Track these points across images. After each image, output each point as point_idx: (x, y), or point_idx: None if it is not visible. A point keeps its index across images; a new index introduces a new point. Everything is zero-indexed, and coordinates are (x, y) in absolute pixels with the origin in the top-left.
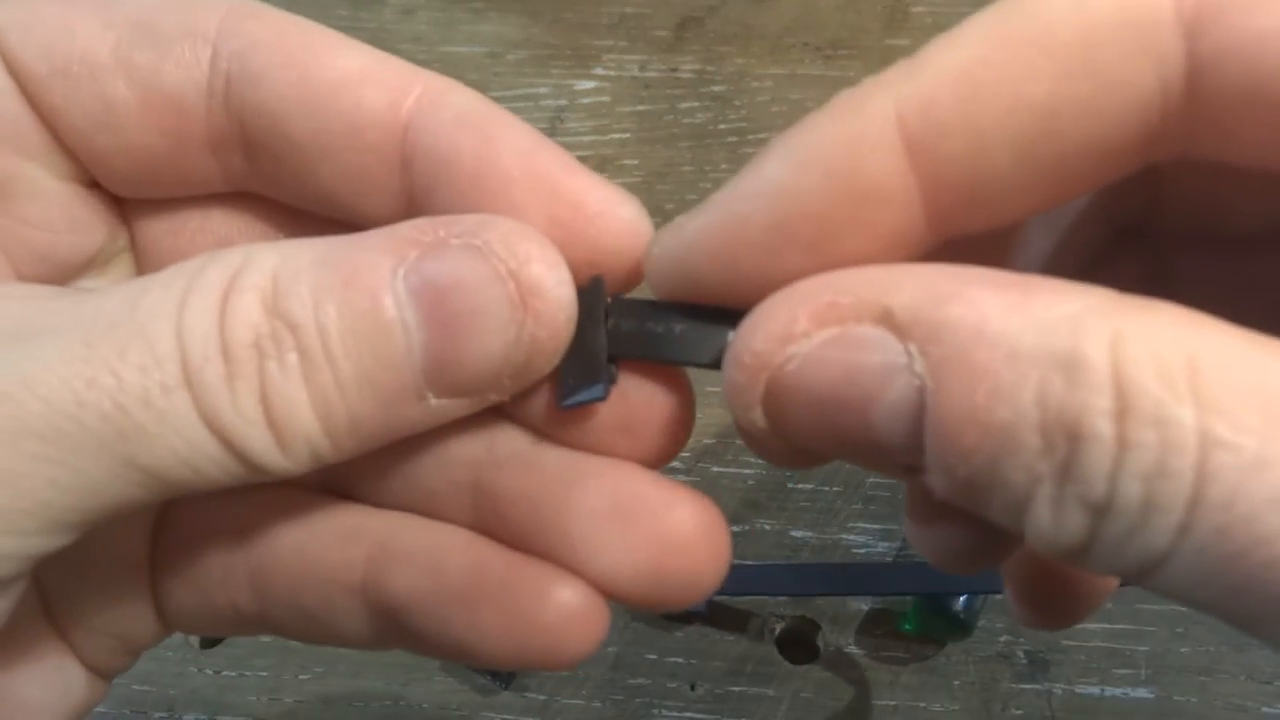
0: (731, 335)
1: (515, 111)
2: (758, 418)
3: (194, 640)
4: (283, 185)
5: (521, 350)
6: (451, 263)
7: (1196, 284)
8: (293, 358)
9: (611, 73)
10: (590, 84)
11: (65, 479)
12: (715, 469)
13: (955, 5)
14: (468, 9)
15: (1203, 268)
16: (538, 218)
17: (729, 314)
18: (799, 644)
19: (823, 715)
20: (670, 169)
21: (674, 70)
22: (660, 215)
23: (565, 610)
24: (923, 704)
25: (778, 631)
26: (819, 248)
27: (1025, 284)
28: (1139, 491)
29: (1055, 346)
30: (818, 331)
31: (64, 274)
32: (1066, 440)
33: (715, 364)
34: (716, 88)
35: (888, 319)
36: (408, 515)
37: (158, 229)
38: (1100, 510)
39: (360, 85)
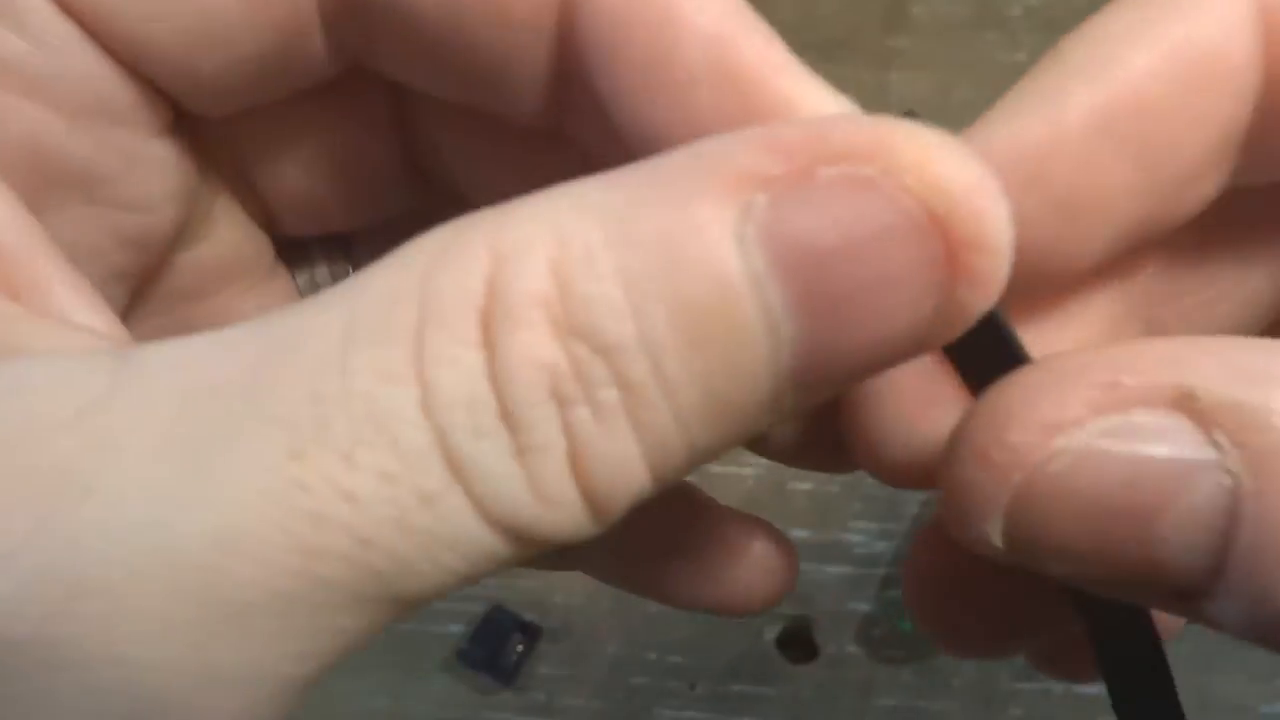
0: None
1: None
2: (993, 532)
3: None
4: (405, 67)
5: (935, 326)
6: (832, 210)
7: None
8: (611, 395)
9: None
10: None
11: (304, 646)
12: (715, 469)
13: (955, 5)
14: None
15: None
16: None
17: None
18: (799, 644)
19: (823, 715)
20: None
21: None
22: None
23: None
24: (923, 704)
25: (778, 631)
26: (1143, 139)
27: None
28: None
29: None
30: (1093, 420)
31: (158, 252)
32: None
33: None
34: None
35: (1186, 403)
36: None
37: (252, 146)
38: None
39: None
